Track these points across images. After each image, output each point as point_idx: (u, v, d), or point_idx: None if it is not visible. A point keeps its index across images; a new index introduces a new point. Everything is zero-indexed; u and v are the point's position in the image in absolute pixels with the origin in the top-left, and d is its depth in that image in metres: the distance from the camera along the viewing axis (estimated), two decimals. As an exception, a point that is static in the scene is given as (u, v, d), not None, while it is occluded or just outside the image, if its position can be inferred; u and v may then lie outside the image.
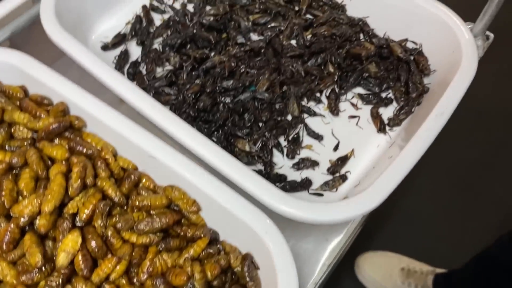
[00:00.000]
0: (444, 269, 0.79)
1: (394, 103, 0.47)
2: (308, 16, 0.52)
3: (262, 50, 0.48)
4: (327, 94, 0.47)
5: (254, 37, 0.50)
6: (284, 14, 0.51)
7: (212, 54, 0.48)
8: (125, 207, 0.37)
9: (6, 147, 0.39)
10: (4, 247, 0.34)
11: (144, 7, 0.52)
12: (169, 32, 0.50)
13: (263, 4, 0.52)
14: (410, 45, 0.50)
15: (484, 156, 1.01)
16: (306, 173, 0.43)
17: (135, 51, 0.50)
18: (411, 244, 0.86)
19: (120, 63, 0.48)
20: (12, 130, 0.40)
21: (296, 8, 0.52)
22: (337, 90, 0.47)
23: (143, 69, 0.48)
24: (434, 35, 0.47)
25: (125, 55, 0.48)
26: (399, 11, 0.49)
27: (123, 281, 0.34)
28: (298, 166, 0.43)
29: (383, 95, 0.47)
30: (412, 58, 0.48)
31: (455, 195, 0.95)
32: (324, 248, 0.41)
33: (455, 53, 0.44)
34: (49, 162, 0.38)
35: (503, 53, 1.00)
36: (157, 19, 0.52)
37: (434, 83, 0.47)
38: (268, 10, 0.51)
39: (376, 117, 0.46)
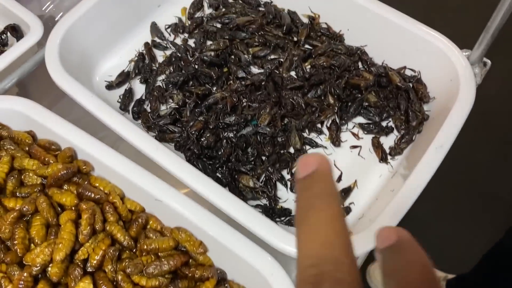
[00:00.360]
0: (455, 274, 0.79)
1: (395, 132, 0.48)
2: (307, 46, 0.53)
3: (263, 84, 0.49)
4: (328, 125, 0.48)
5: (255, 70, 0.51)
6: (283, 46, 0.52)
7: (214, 89, 0.49)
8: (134, 250, 0.38)
9: (17, 194, 0.40)
10: (18, 295, 0.35)
11: (146, 44, 0.53)
12: (171, 69, 0.51)
13: (262, 37, 0.53)
14: (408, 72, 0.50)
15: (491, 156, 1.01)
16: (310, 206, 0.44)
17: (139, 88, 0.51)
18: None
19: (125, 102, 0.49)
20: (22, 177, 0.41)
21: (295, 39, 0.53)
22: (337, 120, 0.48)
23: (147, 107, 0.49)
24: (432, 63, 0.48)
25: (129, 93, 0.50)
26: (397, 39, 0.49)
27: (135, 325, 0.35)
28: (302, 199, 0.44)
29: (384, 124, 0.48)
30: (411, 86, 0.49)
31: (463, 197, 0.96)
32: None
33: (453, 81, 0.45)
34: (59, 209, 0.39)
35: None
36: (159, 55, 0.53)
37: (434, 111, 0.47)
38: (267, 42, 0.52)
39: (377, 146, 0.46)
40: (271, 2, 0.56)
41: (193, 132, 0.45)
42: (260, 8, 0.56)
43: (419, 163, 0.40)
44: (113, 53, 0.53)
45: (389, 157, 0.46)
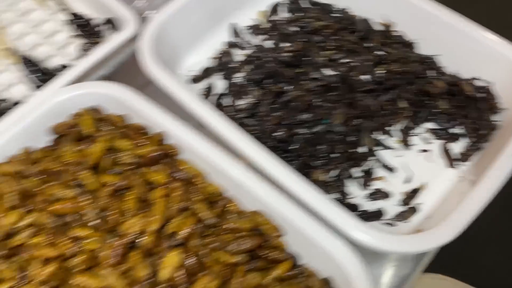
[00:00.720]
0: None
1: (464, 139, 0.49)
2: (380, 52, 0.55)
3: (336, 85, 0.52)
4: (399, 128, 0.50)
5: (328, 72, 0.54)
6: (357, 51, 0.54)
7: (290, 88, 0.52)
8: (216, 229, 0.41)
9: (113, 171, 0.44)
10: (113, 260, 0.39)
11: (225, 43, 0.57)
12: (249, 67, 0.55)
13: (337, 41, 0.55)
14: (479, 82, 0.51)
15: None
16: (378, 204, 0.46)
17: (219, 84, 0.54)
18: (466, 268, 0.86)
19: (205, 96, 0.53)
20: (117, 156, 0.45)
21: (369, 45, 0.55)
22: (408, 124, 0.50)
23: (227, 102, 0.52)
24: (504, 74, 0.49)
25: (210, 88, 0.53)
26: (469, 50, 0.51)
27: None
28: (370, 197, 0.46)
29: (454, 130, 0.49)
30: (482, 96, 0.50)
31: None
32: (390, 274, 0.44)
33: (526, 92, 0.46)
34: (150, 187, 0.43)
35: None
36: (237, 54, 0.57)
37: (505, 121, 0.48)
38: (341, 47, 0.55)
39: (446, 152, 0.48)
40: (345, 9, 0.59)
41: (268, 126, 0.49)
42: (333, 15, 0.59)
43: (490, 169, 0.41)
44: (195, 50, 0.57)
45: (457, 162, 0.47)
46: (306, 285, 0.39)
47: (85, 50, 0.53)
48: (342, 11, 0.59)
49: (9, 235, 0.41)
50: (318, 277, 0.39)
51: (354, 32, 0.56)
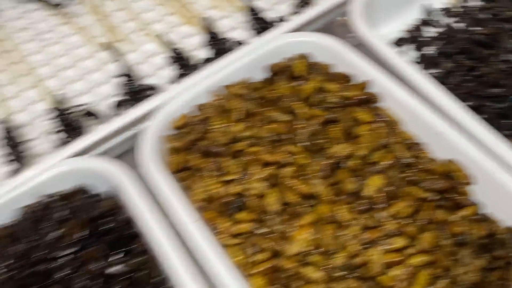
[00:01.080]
0: None
1: None
2: None
3: (527, 69, 0.55)
4: None
5: (518, 57, 0.57)
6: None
7: (480, 65, 0.56)
8: (411, 168, 0.47)
9: (321, 107, 0.52)
10: (322, 174, 0.46)
11: (418, 20, 0.63)
12: (440, 42, 0.59)
13: (528, 30, 0.58)
14: None
15: None
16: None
17: (409, 55, 0.60)
18: None
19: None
20: (324, 96, 0.52)
21: None
22: None
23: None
24: None
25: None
26: None
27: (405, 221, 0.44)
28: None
29: None
30: None
31: None
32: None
33: None
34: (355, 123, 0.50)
35: None
36: (428, 31, 0.62)
37: None
38: (533, 36, 0.58)
39: None
40: (540, 3, 0.61)
41: (459, 94, 0.53)
42: (526, 8, 0.62)
43: None
44: (390, 23, 0.63)
45: None
46: (490, 228, 0.43)
47: (298, 7, 0.62)
48: (536, 4, 0.61)
49: (235, 139, 0.50)
50: (502, 224, 0.43)
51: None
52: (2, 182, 0.50)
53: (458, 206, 0.45)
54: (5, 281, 0.43)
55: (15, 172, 0.52)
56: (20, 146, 0.53)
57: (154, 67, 0.60)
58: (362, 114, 0.49)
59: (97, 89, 0.59)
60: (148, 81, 0.58)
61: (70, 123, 0.54)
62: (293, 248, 0.42)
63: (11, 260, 0.44)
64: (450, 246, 0.42)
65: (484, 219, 0.44)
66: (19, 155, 0.53)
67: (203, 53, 0.60)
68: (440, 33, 0.61)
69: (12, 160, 0.53)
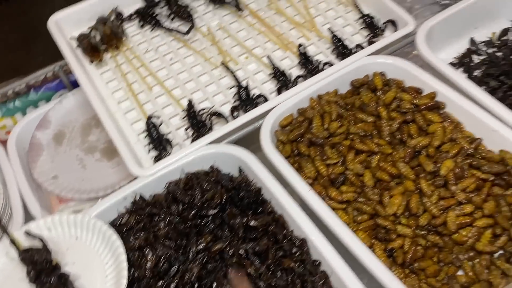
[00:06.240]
0: None
1: None
2: None
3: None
4: None
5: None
6: None
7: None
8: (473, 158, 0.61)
9: (396, 112, 0.67)
10: (407, 160, 0.60)
11: (466, 50, 0.78)
12: (484, 66, 0.75)
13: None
14: None
15: None
16: None
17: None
18: None
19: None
20: (401, 103, 0.67)
21: None
22: None
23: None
24: None
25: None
26: None
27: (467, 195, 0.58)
28: None
29: None
30: None
31: None
32: None
33: None
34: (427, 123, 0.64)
35: None
36: (474, 58, 0.77)
37: None
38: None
39: None
40: None
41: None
42: (553, 41, 0.77)
43: None
44: (443, 51, 0.79)
45: None
46: (537, 201, 0.57)
47: (370, 40, 0.78)
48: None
49: (331, 135, 0.65)
50: (546, 198, 0.57)
51: None
52: (154, 163, 0.65)
53: (511, 185, 0.59)
54: (173, 230, 0.57)
55: (158, 156, 0.67)
56: (161, 138, 0.68)
57: (258, 82, 0.75)
58: (433, 116, 0.64)
59: (213, 98, 0.74)
60: (253, 92, 0.74)
61: (200, 120, 0.69)
62: (388, 210, 0.57)
63: (175, 215, 0.58)
64: (507, 212, 0.56)
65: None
66: (161, 144, 0.68)
67: (296, 71, 0.76)
68: (484, 59, 0.76)
69: (155, 148, 0.68)
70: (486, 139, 0.63)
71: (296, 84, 0.73)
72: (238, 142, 0.68)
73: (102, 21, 0.82)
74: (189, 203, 0.59)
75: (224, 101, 0.74)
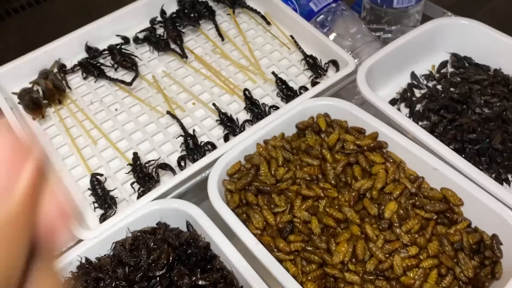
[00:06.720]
0: None
1: None
2: (527, 100, 0.75)
3: (493, 118, 0.72)
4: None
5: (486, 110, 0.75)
6: (509, 98, 0.75)
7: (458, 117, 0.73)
8: (416, 197, 0.62)
9: (342, 154, 0.67)
10: (352, 203, 0.61)
11: (406, 84, 0.80)
12: (424, 100, 0.77)
13: (492, 90, 0.76)
14: None
15: None
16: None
17: (403, 111, 0.77)
18: None
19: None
20: (343, 144, 0.68)
21: (518, 93, 0.75)
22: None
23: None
24: None
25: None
26: None
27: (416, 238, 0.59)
28: (520, 195, 0.65)
29: None
30: None
31: None
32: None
33: None
34: (370, 164, 0.65)
35: None
36: (416, 91, 0.80)
37: None
38: (496, 94, 0.76)
39: None
40: (500, 68, 0.80)
41: (446, 140, 0.70)
42: (490, 73, 0.80)
43: None
44: (385, 86, 0.80)
45: None
46: (479, 237, 0.58)
47: (314, 81, 0.79)
48: (496, 70, 0.80)
49: (278, 181, 0.65)
50: (487, 234, 0.59)
51: (508, 85, 0.77)
52: (98, 223, 0.64)
53: (454, 222, 0.60)
54: (118, 295, 0.55)
55: (103, 215, 0.65)
56: (106, 195, 0.67)
57: (205, 128, 0.75)
58: (375, 157, 0.65)
59: (160, 147, 0.74)
60: (201, 139, 0.74)
61: (147, 173, 0.68)
62: (335, 258, 0.57)
63: (121, 279, 0.56)
64: (451, 252, 0.57)
65: (474, 230, 0.60)
66: (106, 202, 0.66)
67: (244, 115, 0.76)
68: (424, 94, 0.79)
69: (101, 206, 0.66)
70: (428, 177, 0.64)
71: (244, 129, 0.73)
72: (186, 191, 0.67)
73: (44, 74, 0.80)
74: (135, 265, 0.57)
75: (172, 150, 0.74)
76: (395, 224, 0.59)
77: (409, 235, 0.58)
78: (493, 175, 0.67)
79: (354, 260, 0.57)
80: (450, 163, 0.63)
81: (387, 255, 0.57)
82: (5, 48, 2.23)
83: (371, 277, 0.56)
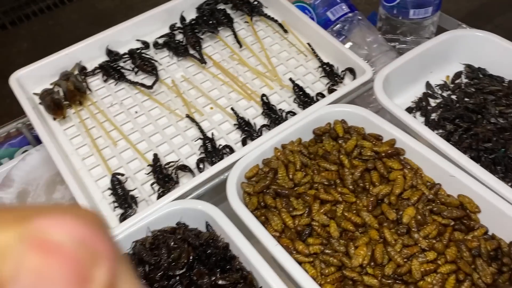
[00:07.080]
0: None
1: None
2: (541, 111, 0.75)
3: (509, 127, 0.73)
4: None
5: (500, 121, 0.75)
6: (523, 108, 0.76)
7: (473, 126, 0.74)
8: (434, 203, 0.63)
9: (359, 160, 0.68)
10: (370, 207, 0.62)
11: (422, 93, 0.82)
12: (440, 109, 0.78)
13: (507, 101, 0.77)
14: None
15: None
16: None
17: (418, 119, 0.78)
18: None
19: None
20: (361, 151, 0.69)
21: (533, 106, 0.76)
22: None
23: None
24: None
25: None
26: None
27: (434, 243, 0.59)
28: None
29: None
30: None
31: None
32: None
33: None
34: (387, 170, 0.66)
35: None
36: (431, 101, 0.81)
37: None
38: (511, 105, 0.77)
39: None
40: (513, 80, 0.81)
41: (461, 149, 0.70)
42: (504, 84, 0.81)
43: None
44: (401, 96, 0.82)
45: None
46: (497, 244, 0.59)
47: (330, 88, 0.80)
48: (511, 81, 0.81)
49: (296, 185, 0.66)
50: (505, 241, 0.59)
51: (522, 95, 0.78)
52: (117, 222, 0.64)
53: (471, 229, 0.61)
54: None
55: (123, 215, 0.66)
56: (127, 195, 0.68)
57: (223, 132, 0.76)
58: (393, 163, 0.66)
59: (179, 150, 0.75)
60: (219, 143, 0.75)
61: (166, 174, 0.69)
62: (354, 261, 0.57)
63: (141, 278, 0.57)
64: (469, 257, 0.58)
65: (492, 237, 0.60)
66: (126, 201, 0.67)
67: (261, 120, 0.77)
68: (439, 103, 0.80)
69: (121, 206, 0.67)
70: (445, 184, 0.65)
71: (261, 134, 0.74)
72: (204, 193, 0.68)
73: (65, 76, 0.82)
74: (156, 264, 0.58)
75: (190, 152, 0.75)
76: (413, 229, 0.60)
77: (427, 240, 0.59)
78: (509, 184, 0.68)
79: (372, 263, 0.58)
80: (467, 170, 0.64)
81: (405, 260, 0.57)
82: (17, 53, 2.26)
83: (389, 281, 0.57)
